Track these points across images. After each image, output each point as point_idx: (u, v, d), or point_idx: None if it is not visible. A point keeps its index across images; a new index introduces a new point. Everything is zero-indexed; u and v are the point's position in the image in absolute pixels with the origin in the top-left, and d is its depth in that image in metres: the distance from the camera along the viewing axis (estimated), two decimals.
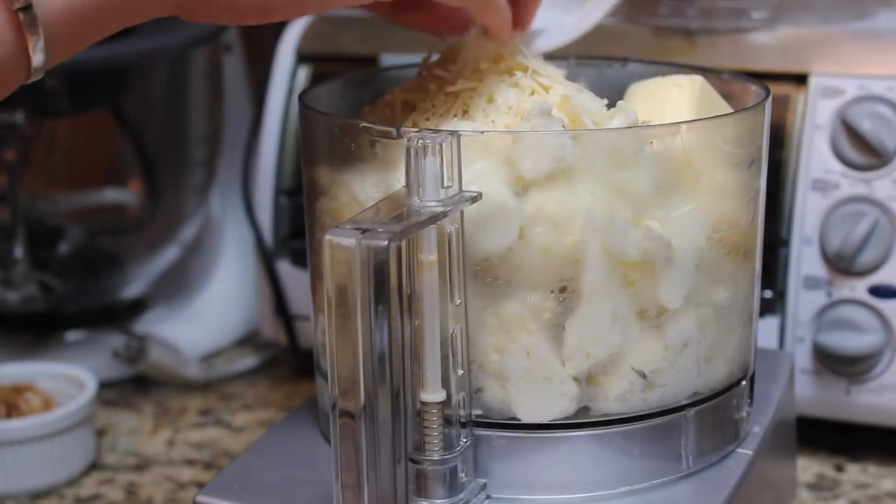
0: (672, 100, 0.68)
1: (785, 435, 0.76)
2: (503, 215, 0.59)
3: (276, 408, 0.96)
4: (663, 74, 0.71)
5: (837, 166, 0.82)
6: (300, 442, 0.68)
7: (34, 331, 1.02)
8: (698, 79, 0.69)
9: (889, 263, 0.81)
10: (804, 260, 0.82)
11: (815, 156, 0.82)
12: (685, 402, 0.63)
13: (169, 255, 1.06)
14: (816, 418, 0.85)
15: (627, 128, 0.62)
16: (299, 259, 0.97)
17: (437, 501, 0.59)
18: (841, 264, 0.81)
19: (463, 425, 0.60)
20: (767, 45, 0.87)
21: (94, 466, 0.87)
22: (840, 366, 0.82)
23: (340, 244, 0.53)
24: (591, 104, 0.64)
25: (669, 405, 0.63)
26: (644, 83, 0.71)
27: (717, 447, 0.66)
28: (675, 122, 0.62)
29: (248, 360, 1.04)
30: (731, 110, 0.69)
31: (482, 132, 0.61)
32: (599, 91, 0.68)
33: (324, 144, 0.65)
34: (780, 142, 0.83)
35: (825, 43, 0.85)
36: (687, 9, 0.91)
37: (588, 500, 0.62)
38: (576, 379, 0.61)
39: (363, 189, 0.62)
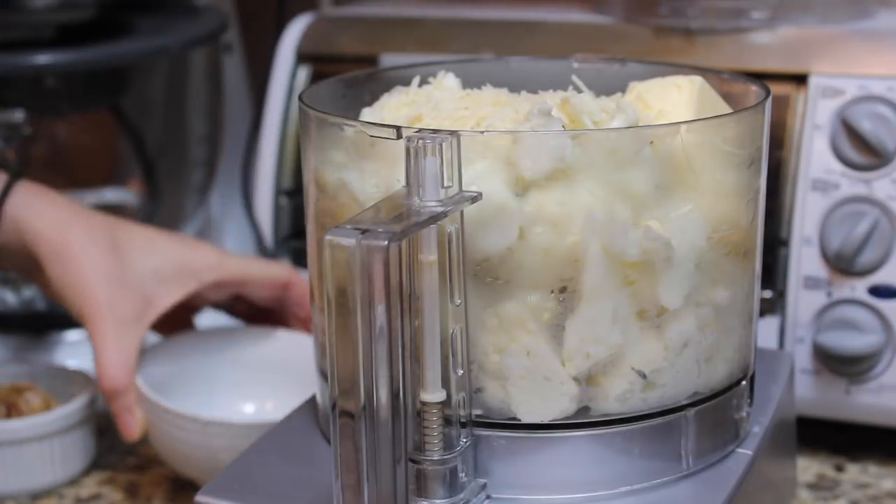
0: (671, 100, 0.68)
1: (785, 435, 0.76)
2: (503, 215, 0.59)
3: None
4: (663, 75, 0.71)
5: (837, 166, 0.82)
6: (300, 442, 0.68)
7: (34, 331, 1.02)
8: (697, 79, 0.69)
9: (889, 263, 0.81)
10: (804, 260, 0.82)
11: (815, 156, 0.82)
12: (685, 402, 0.63)
13: None
14: (816, 418, 0.85)
15: (627, 128, 0.62)
16: (299, 259, 0.97)
17: (437, 501, 0.59)
18: (841, 264, 0.81)
19: (463, 425, 0.60)
20: (767, 45, 0.87)
21: (94, 466, 0.87)
22: (840, 366, 0.82)
23: (340, 244, 0.53)
24: (591, 104, 0.64)
25: (669, 405, 0.63)
26: (643, 84, 0.71)
27: (717, 447, 0.66)
28: (675, 122, 0.62)
29: None
30: (731, 110, 0.69)
31: (482, 132, 0.61)
32: (599, 91, 0.68)
33: (324, 144, 0.65)
34: (780, 142, 0.83)
35: (825, 43, 0.85)
36: (687, 9, 0.91)
37: (588, 500, 0.62)
38: (576, 379, 0.61)
39: (363, 189, 0.62)
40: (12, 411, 0.85)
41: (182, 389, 0.85)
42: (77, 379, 0.88)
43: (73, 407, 0.84)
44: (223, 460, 0.73)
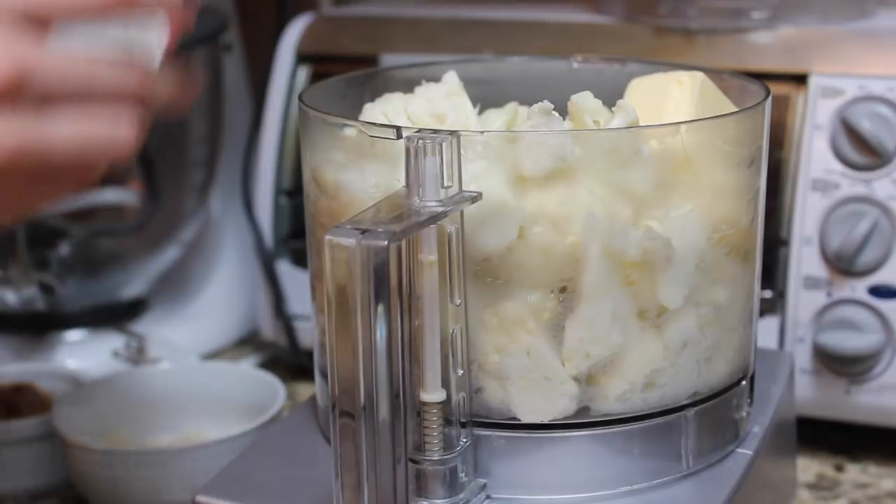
0: (673, 96, 0.68)
1: (785, 435, 0.76)
2: (503, 215, 0.59)
3: None
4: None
5: (837, 166, 0.82)
6: (300, 441, 0.68)
7: (34, 331, 1.02)
8: (699, 74, 0.69)
9: (889, 263, 0.81)
10: (804, 260, 0.82)
11: (815, 156, 0.82)
12: (685, 402, 0.63)
13: (169, 255, 1.06)
14: (816, 418, 0.85)
15: (627, 128, 0.62)
16: (299, 259, 0.97)
17: (437, 501, 0.59)
18: (841, 264, 0.81)
19: (463, 425, 0.60)
20: (767, 45, 0.87)
21: None
22: (840, 366, 0.82)
23: (340, 244, 0.53)
24: (591, 103, 0.64)
25: (669, 405, 0.63)
26: (645, 79, 0.71)
27: (717, 447, 0.66)
28: (674, 122, 0.62)
29: (247, 360, 1.04)
30: (732, 105, 0.69)
31: (482, 132, 0.61)
32: (599, 91, 0.68)
33: (323, 144, 0.65)
34: (780, 142, 0.83)
35: (825, 43, 0.85)
36: (687, 9, 0.91)
37: (588, 499, 0.62)
38: (576, 379, 0.61)
39: (363, 189, 0.62)
40: (12, 411, 0.85)
41: (104, 430, 0.85)
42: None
43: None
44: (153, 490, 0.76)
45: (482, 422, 0.61)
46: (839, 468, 0.85)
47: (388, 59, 0.94)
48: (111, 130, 0.54)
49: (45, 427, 0.82)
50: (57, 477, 0.84)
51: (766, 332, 0.83)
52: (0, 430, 0.82)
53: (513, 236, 0.59)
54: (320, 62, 0.98)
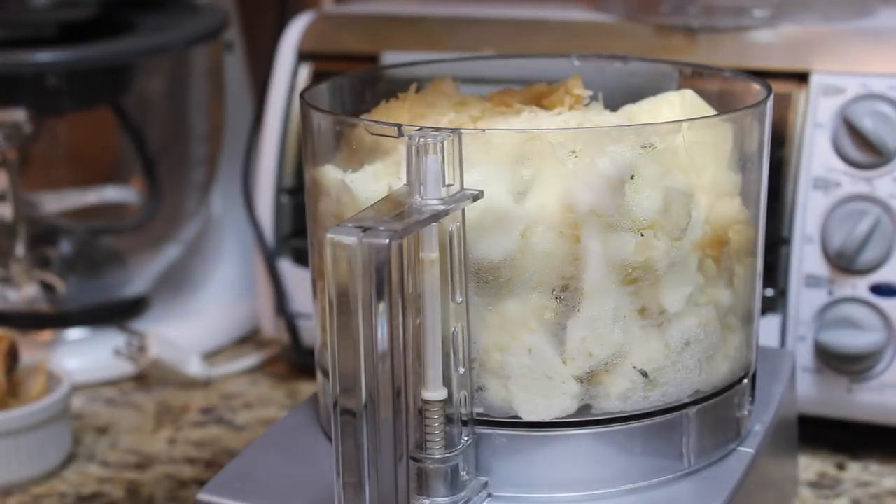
0: (663, 117, 0.67)
1: (786, 433, 0.76)
2: (505, 214, 0.59)
3: (277, 406, 0.96)
4: (664, 73, 0.71)
5: (839, 164, 0.82)
6: (301, 440, 0.68)
7: (35, 329, 1.02)
8: (688, 93, 0.69)
9: (890, 262, 0.81)
10: (806, 258, 0.82)
11: (817, 154, 0.82)
12: (687, 401, 0.63)
13: (170, 253, 1.06)
14: (818, 416, 0.85)
15: (627, 126, 0.62)
16: (300, 257, 0.97)
17: (439, 500, 0.59)
18: (842, 263, 0.81)
19: (464, 423, 0.60)
20: (769, 43, 0.87)
21: (95, 464, 0.87)
22: (841, 364, 0.82)
23: (342, 242, 0.53)
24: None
25: (671, 403, 0.63)
26: (637, 105, 0.71)
27: (719, 445, 0.66)
28: (675, 120, 0.62)
29: (249, 359, 1.04)
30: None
31: (483, 130, 0.61)
32: (600, 90, 0.68)
33: (325, 143, 0.65)
34: (781, 140, 0.83)
35: (827, 41, 0.85)
36: (688, 7, 0.91)
37: (589, 498, 0.62)
38: (577, 378, 0.61)
39: (364, 188, 0.62)
40: (15, 391, 0.85)
41: None
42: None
43: (47, 402, 0.84)
44: None
45: (484, 420, 0.61)
46: (841, 467, 0.85)
47: (390, 58, 0.94)
48: None
49: (18, 421, 0.82)
50: (32, 471, 0.84)
51: (768, 330, 0.83)
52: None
53: (515, 242, 0.59)
54: (321, 60, 0.98)
